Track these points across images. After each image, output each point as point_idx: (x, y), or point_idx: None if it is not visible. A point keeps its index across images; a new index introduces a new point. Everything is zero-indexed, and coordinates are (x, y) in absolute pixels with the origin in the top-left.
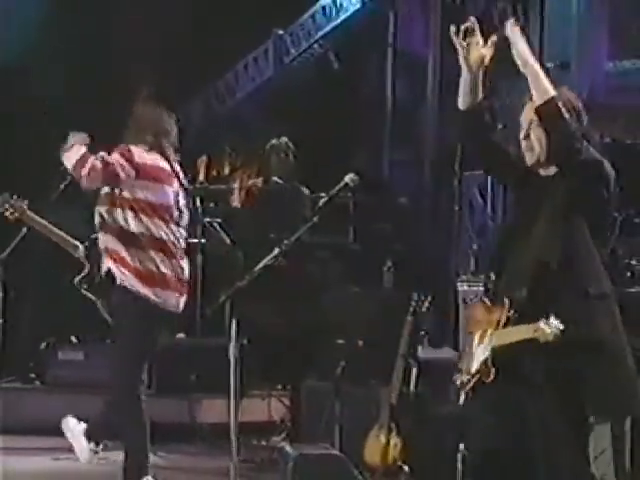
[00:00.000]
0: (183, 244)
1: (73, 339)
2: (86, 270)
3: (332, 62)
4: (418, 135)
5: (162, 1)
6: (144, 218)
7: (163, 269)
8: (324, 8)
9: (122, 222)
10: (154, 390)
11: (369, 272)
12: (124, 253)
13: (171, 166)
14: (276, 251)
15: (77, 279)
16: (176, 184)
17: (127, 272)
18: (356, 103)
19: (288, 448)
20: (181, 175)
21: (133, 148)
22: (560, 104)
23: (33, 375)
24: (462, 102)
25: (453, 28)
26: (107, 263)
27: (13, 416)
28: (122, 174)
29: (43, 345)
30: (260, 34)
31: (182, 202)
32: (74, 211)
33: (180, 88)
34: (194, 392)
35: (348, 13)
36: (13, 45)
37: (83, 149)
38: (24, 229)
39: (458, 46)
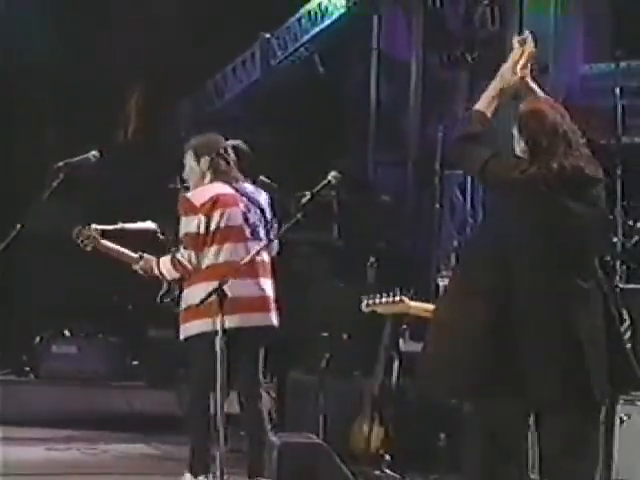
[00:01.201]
0: (266, 258)
1: (66, 333)
2: (165, 287)
3: (317, 65)
4: (401, 136)
5: (154, 3)
6: (221, 247)
7: (243, 293)
8: (310, 12)
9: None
10: (145, 382)
11: (353, 268)
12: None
13: (235, 188)
14: (261, 244)
15: (159, 295)
16: (242, 204)
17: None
18: (341, 105)
19: (273, 437)
20: (249, 192)
21: (189, 196)
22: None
23: (27, 368)
24: None
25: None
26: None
27: (8, 408)
28: (193, 256)
29: (37, 339)
30: (248, 37)
31: (252, 219)
32: (68, 207)
33: (170, 89)
34: (183, 384)
35: (333, 17)
36: (12, 46)
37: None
38: (18, 225)
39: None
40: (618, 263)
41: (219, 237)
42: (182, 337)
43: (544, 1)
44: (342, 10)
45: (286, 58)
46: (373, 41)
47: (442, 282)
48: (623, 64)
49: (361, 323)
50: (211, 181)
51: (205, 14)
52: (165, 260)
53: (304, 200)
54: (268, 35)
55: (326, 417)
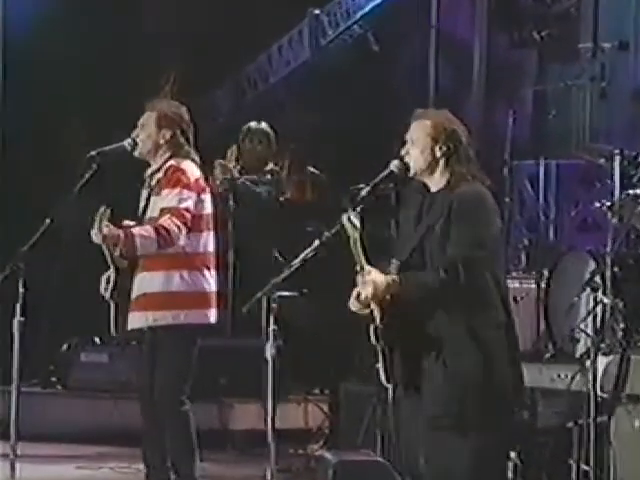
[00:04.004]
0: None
1: (96, 340)
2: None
3: (372, 44)
4: (463, 122)
5: None
6: (201, 234)
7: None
8: None
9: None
10: None
11: None
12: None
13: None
14: (316, 243)
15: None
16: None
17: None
18: (397, 88)
19: (327, 455)
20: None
21: (184, 167)
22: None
23: (54, 378)
24: None
25: None
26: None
27: (33, 422)
28: (182, 232)
29: (65, 346)
30: (295, 14)
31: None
32: (97, 201)
33: (209, 73)
34: (225, 396)
35: None
36: (30, 30)
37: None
38: (47, 220)
39: None
40: None
41: (205, 222)
42: (160, 324)
43: None
44: None
45: (337, 37)
46: (432, 18)
47: (512, 284)
48: None
49: None
50: (171, 157)
51: None
52: (145, 229)
53: (364, 193)
54: (318, 11)
55: (383, 431)
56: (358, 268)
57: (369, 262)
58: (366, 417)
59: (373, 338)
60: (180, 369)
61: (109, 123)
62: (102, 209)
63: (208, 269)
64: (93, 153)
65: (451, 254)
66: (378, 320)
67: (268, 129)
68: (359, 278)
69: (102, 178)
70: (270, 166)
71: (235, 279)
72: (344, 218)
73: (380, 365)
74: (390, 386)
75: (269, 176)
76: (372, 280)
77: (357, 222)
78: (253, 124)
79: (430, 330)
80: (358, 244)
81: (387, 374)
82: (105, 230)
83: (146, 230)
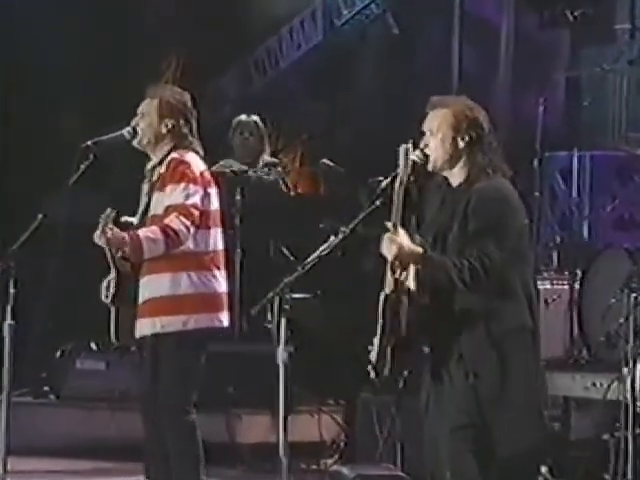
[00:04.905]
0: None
1: (93, 346)
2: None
3: (390, 25)
4: (489, 111)
5: None
6: (209, 231)
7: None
8: None
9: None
10: None
11: None
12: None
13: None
14: (332, 240)
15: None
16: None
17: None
18: (418, 73)
19: (344, 470)
20: None
21: (189, 160)
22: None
23: (47, 387)
24: None
25: None
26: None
27: (24, 435)
28: (191, 232)
29: (58, 352)
30: None
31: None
32: (95, 195)
33: (213, 58)
34: (232, 407)
35: None
36: (28, 23)
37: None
38: (40, 215)
39: None
40: None
41: (212, 219)
42: (175, 329)
43: None
44: None
45: (353, 17)
46: None
47: (542, 286)
48: None
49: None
50: (172, 149)
51: None
52: (152, 231)
53: (383, 185)
54: None
55: (404, 444)
56: (391, 224)
57: (403, 224)
58: (385, 429)
59: (381, 307)
60: (187, 375)
61: (108, 114)
62: (108, 211)
63: (218, 268)
64: (89, 143)
65: (468, 252)
66: (388, 289)
67: (259, 121)
68: (387, 234)
69: (101, 170)
70: (266, 159)
71: (243, 279)
72: (402, 148)
73: (374, 346)
74: (375, 377)
75: (266, 169)
76: (399, 242)
77: (414, 158)
78: (243, 117)
79: (449, 331)
80: (402, 192)
81: (376, 361)
82: (109, 233)
83: (153, 232)
